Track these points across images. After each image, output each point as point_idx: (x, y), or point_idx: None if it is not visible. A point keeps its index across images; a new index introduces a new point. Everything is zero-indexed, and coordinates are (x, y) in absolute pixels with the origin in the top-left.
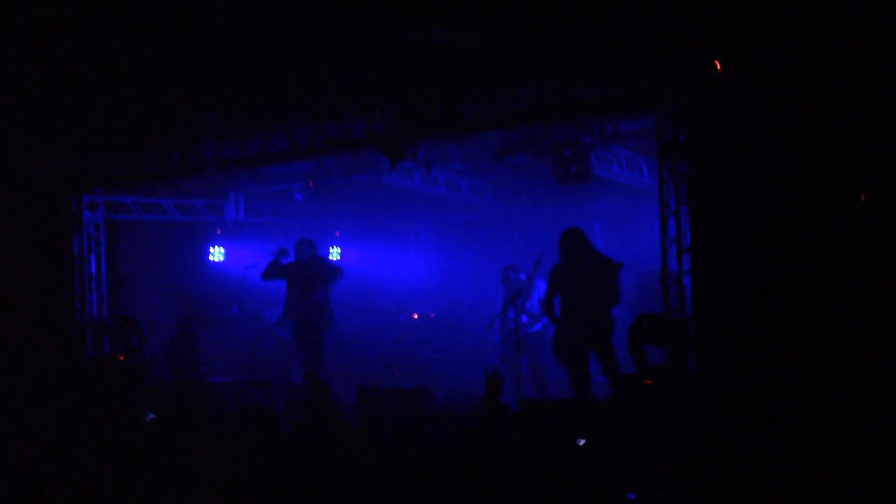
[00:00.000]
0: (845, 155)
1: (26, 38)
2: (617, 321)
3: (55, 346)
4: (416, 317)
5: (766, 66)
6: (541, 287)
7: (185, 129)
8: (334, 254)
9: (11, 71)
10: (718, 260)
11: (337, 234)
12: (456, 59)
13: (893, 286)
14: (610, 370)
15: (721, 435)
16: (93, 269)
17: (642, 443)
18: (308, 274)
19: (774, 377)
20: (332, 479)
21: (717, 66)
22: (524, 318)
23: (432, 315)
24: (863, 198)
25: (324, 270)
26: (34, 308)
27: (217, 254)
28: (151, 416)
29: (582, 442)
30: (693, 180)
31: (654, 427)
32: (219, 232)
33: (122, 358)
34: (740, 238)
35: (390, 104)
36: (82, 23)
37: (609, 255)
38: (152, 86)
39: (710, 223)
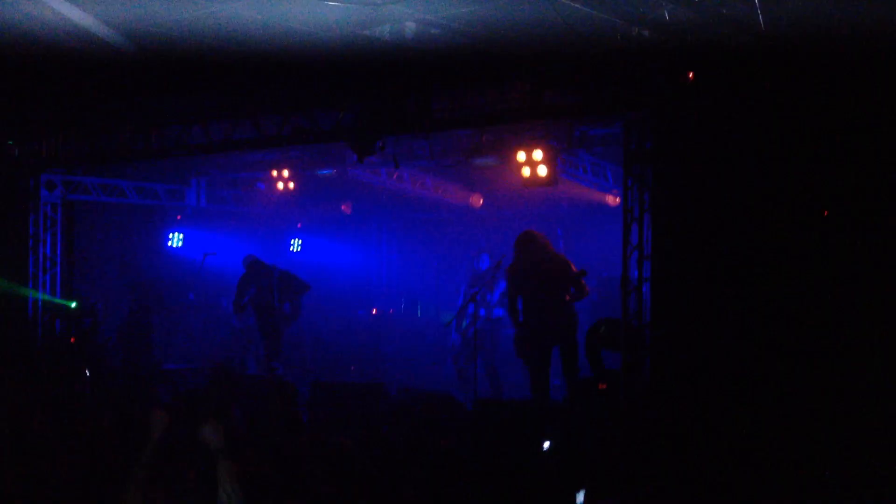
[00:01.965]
0: (809, 166)
1: None
2: (578, 320)
3: (6, 325)
4: (374, 312)
5: (732, 76)
6: (502, 286)
7: (150, 113)
8: (295, 245)
9: None
10: (679, 268)
11: (299, 225)
12: (427, 57)
13: (853, 293)
14: (570, 371)
15: (673, 439)
16: (48, 249)
17: (595, 445)
18: (277, 295)
19: (728, 385)
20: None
21: (689, 76)
22: (482, 312)
23: (391, 311)
24: (825, 213)
25: (293, 289)
26: None
27: (176, 239)
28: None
29: (547, 444)
30: (657, 188)
31: (608, 430)
32: (179, 218)
33: (73, 340)
34: (701, 247)
35: (360, 97)
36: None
37: (570, 260)
38: (118, 68)
39: (672, 231)
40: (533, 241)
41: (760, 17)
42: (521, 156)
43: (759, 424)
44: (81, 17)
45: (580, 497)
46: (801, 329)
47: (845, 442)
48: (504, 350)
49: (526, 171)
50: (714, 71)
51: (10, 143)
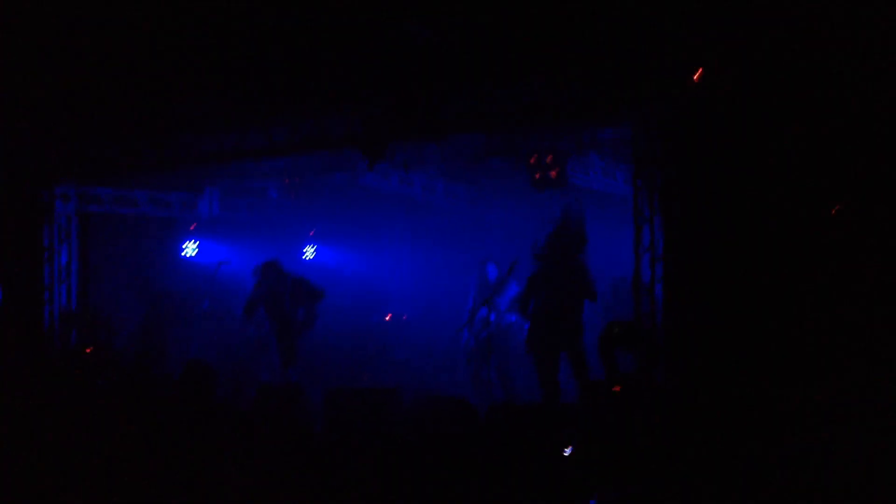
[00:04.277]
0: (819, 166)
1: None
2: (586, 325)
3: (23, 337)
4: (388, 318)
5: (741, 77)
6: (513, 289)
7: (162, 123)
8: (309, 252)
9: None
10: (691, 269)
11: (311, 232)
12: (436, 61)
13: (865, 294)
14: (580, 374)
15: (688, 443)
16: (63, 260)
17: (609, 449)
18: (290, 301)
19: (743, 385)
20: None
21: (695, 78)
22: (493, 316)
23: (405, 317)
24: (834, 211)
25: (307, 296)
26: (3, 298)
27: (190, 249)
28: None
29: (569, 451)
30: (667, 189)
31: (622, 434)
32: (193, 227)
33: (89, 351)
34: (713, 247)
35: (369, 104)
36: (59, 14)
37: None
38: (129, 78)
39: (683, 232)
40: (561, 237)
41: None
42: (531, 159)
43: (773, 425)
44: None
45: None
46: (816, 328)
47: (864, 441)
48: (517, 355)
49: (536, 174)
50: (722, 70)
51: (22, 153)
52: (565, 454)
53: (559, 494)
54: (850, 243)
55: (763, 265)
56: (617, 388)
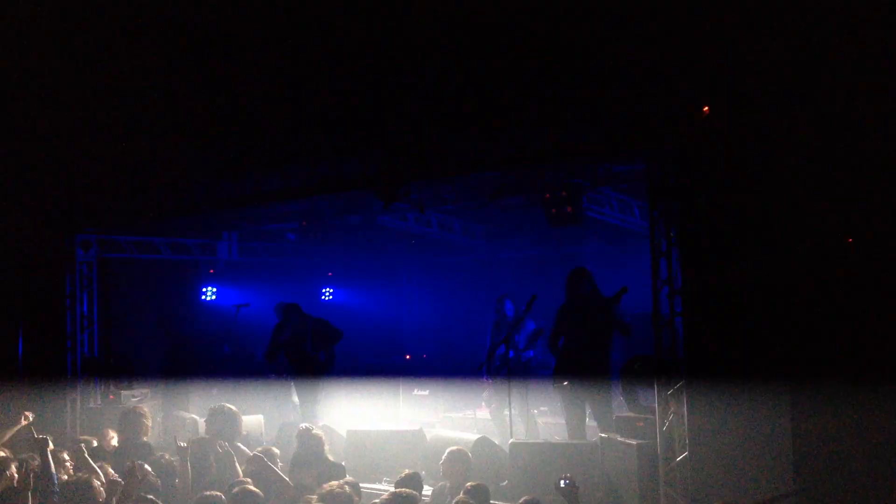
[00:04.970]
0: (836, 197)
1: (23, 84)
2: (613, 367)
3: (46, 385)
4: (408, 357)
5: (756, 109)
6: (529, 326)
7: (180, 169)
8: (327, 294)
9: (9, 110)
10: (710, 302)
11: (329, 274)
12: (450, 102)
13: (889, 324)
14: (601, 416)
15: (712, 475)
16: (84, 307)
17: (635, 485)
18: (312, 343)
19: (766, 418)
20: None
21: (705, 111)
22: (511, 353)
23: (424, 356)
24: (850, 241)
25: (327, 337)
26: (26, 346)
27: (209, 293)
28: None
29: (563, 483)
30: (684, 222)
31: (645, 471)
32: (211, 271)
33: (111, 398)
34: (732, 279)
35: (384, 145)
36: (78, 68)
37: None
38: (147, 129)
39: (701, 265)
40: (582, 276)
41: None
42: (546, 195)
43: (797, 454)
44: None
45: None
46: (840, 359)
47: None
48: (537, 391)
49: (551, 210)
50: (736, 103)
51: (44, 202)
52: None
53: None
54: (874, 272)
55: (784, 296)
56: (640, 424)
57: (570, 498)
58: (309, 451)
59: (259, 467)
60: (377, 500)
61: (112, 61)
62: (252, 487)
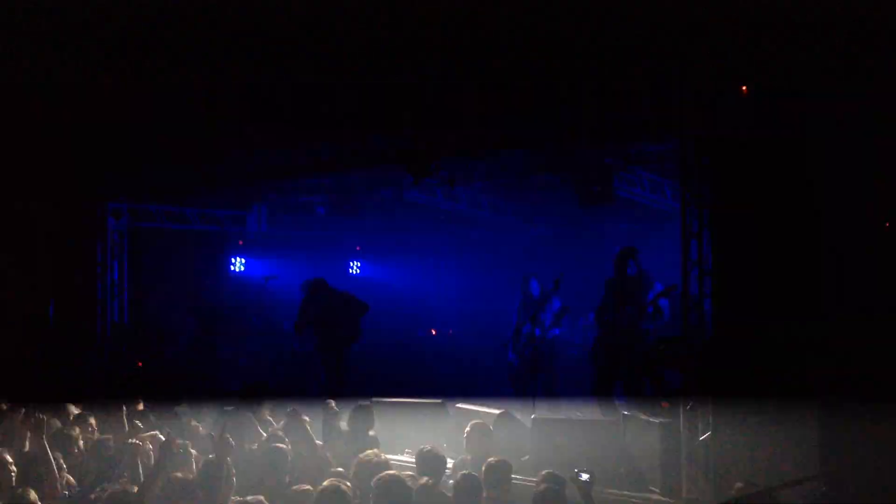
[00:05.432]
0: (873, 179)
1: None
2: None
3: (76, 350)
4: (434, 333)
5: (790, 90)
6: (556, 304)
7: (212, 141)
8: (354, 267)
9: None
10: (740, 284)
11: (358, 248)
12: (481, 80)
13: None
14: (630, 390)
15: (735, 457)
16: (115, 275)
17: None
18: (338, 315)
19: (793, 401)
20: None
21: (742, 90)
22: (538, 331)
23: (450, 332)
24: (888, 225)
25: (353, 310)
26: (57, 312)
27: (238, 264)
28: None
29: (586, 477)
30: (716, 204)
31: (668, 449)
32: (241, 243)
33: (140, 364)
34: (762, 261)
35: (415, 121)
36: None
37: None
38: (181, 99)
39: (732, 247)
40: (629, 255)
41: None
42: (577, 174)
43: (823, 441)
44: None
45: None
46: (868, 343)
47: None
48: (562, 368)
49: (582, 189)
50: (770, 84)
51: (77, 171)
52: (582, 480)
53: None
54: None
55: (813, 278)
56: (665, 405)
57: (583, 492)
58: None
59: (294, 422)
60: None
61: (148, 30)
62: (281, 445)
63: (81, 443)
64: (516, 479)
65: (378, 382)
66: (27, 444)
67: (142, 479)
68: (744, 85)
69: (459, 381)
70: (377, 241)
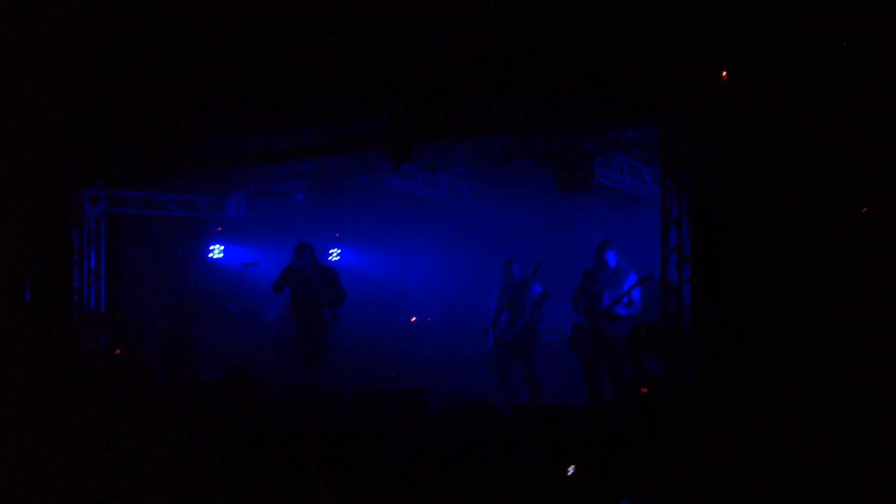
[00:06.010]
0: (850, 165)
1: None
2: (623, 332)
3: (52, 339)
4: (413, 320)
5: (771, 74)
6: (536, 290)
7: (190, 125)
8: (334, 255)
9: (16, 63)
10: (719, 270)
11: (337, 234)
12: (461, 63)
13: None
14: (614, 380)
15: (715, 445)
16: (92, 263)
17: (638, 451)
18: (316, 290)
19: (772, 387)
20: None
21: (723, 75)
22: (524, 319)
23: (429, 319)
24: (864, 211)
25: (332, 291)
26: (32, 300)
27: (217, 251)
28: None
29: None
30: (696, 189)
31: (650, 435)
32: (219, 229)
33: (118, 353)
34: (742, 248)
35: (395, 105)
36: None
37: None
38: (157, 81)
39: (711, 233)
40: (608, 245)
41: None
42: (556, 159)
43: (801, 426)
44: None
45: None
46: (848, 329)
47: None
48: (542, 356)
49: (562, 175)
50: (751, 69)
51: (52, 156)
52: (569, 473)
53: (588, 497)
54: (885, 244)
55: (793, 265)
56: (644, 390)
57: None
58: None
59: None
60: None
61: (121, 10)
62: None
63: None
64: None
65: (357, 370)
66: None
67: None
68: (724, 70)
69: (439, 369)
70: (357, 228)
